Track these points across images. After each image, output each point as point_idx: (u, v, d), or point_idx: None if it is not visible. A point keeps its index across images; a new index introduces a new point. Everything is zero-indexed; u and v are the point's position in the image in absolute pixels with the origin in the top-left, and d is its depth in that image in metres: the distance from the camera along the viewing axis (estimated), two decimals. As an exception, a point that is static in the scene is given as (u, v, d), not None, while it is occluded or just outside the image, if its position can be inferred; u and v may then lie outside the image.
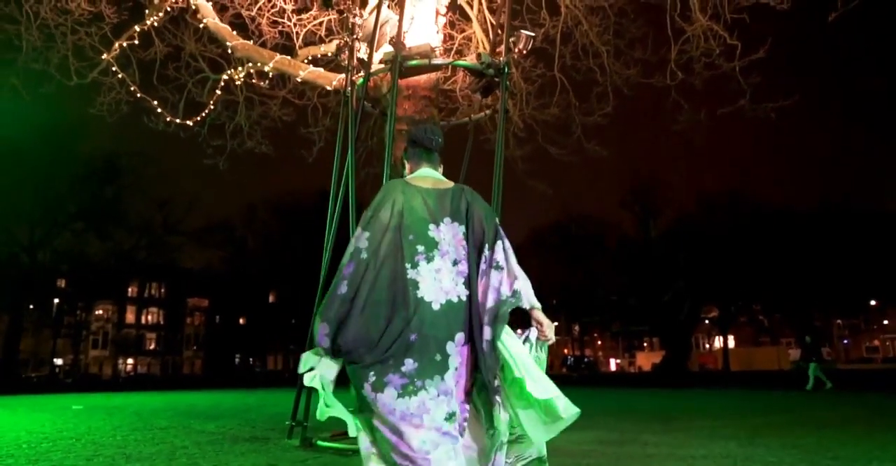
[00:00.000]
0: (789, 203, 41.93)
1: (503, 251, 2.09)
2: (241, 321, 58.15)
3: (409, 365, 1.90)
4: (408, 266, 1.99)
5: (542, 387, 1.95)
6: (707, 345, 60.82)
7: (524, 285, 2.06)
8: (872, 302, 47.52)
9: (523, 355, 2.01)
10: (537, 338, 2.13)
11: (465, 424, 1.99)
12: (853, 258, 36.63)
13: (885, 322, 56.47)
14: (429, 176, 2.23)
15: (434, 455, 1.84)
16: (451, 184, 2.23)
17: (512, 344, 2.02)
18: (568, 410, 1.96)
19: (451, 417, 1.90)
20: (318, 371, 2.04)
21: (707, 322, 53.66)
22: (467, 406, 2.01)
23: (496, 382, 2.00)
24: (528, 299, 2.04)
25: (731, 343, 49.80)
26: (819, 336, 38.05)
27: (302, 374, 2.06)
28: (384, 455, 1.97)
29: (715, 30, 7.22)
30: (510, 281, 2.05)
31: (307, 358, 2.06)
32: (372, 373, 1.92)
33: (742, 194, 40.29)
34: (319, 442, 4.90)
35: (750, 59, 7.13)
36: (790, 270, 36.85)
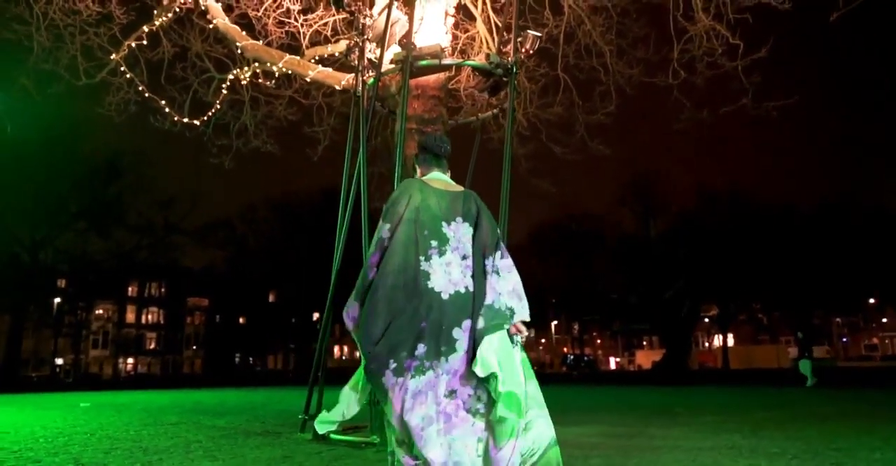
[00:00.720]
0: (789, 202, 41.87)
1: (499, 260, 2.29)
2: (241, 320, 58.23)
3: (421, 348, 2.11)
4: (422, 258, 2.20)
5: (485, 367, 2.09)
6: (706, 344, 60.97)
7: (518, 304, 2.24)
8: (871, 301, 47.65)
9: (491, 349, 2.14)
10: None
11: (483, 406, 2.11)
12: (852, 256, 36.75)
13: (884, 320, 56.64)
14: (440, 179, 2.46)
15: (426, 433, 2.02)
16: (461, 188, 2.46)
17: (490, 340, 2.15)
18: (504, 385, 2.09)
19: (451, 394, 2.09)
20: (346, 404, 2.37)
21: (707, 320, 53.79)
22: (482, 387, 2.13)
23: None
24: (521, 317, 2.24)
25: (731, 341, 49.93)
26: (812, 333, 38.20)
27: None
28: (400, 440, 2.12)
29: (717, 29, 7.30)
30: (508, 292, 2.24)
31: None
32: (392, 361, 2.09)
33: (742, 193, 40.36)
34: (332, 436, 4.98)
35: (752, 59, 7.21)
36: (790, 268, 36.98)
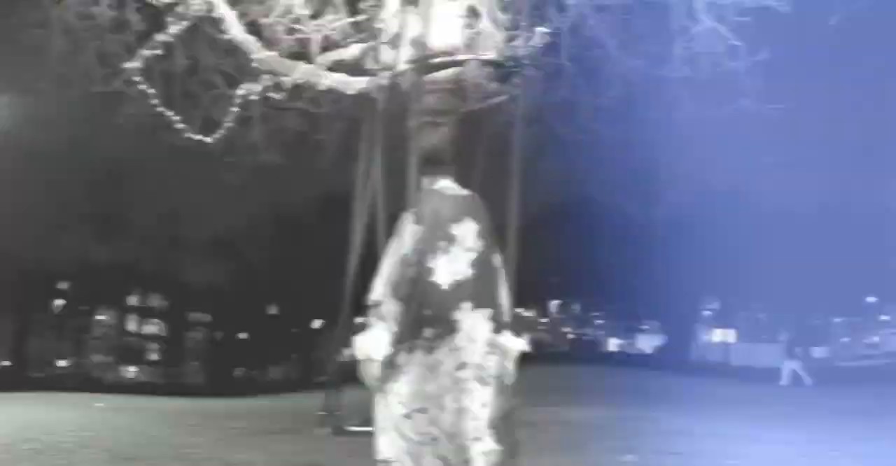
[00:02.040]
0: (789, 200, 41.84)
1: (499, 260, 2.73)
2: (242, 330, 58.12)
3: (429, 332, 2.52)
4: (430, 256, 2.62)
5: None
6: (707, 340, 60.76)
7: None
8: (871, 300, 47.67)
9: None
10: None
11: (488, 376, 2.50)
12: (852, 255, 36.78)
13: (884, 318, 56.59)
14: (448, 185, 2.86)
15: (444, 400, 2.43)
16: (465, 191, 2.87)
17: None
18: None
19: (461, 366, 2.49)
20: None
21: (707, 315, 53.71)
22: (489, 360, 2.53)
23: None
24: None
25: (732, 338, 49.94)
26: (805, 333, 38.23)
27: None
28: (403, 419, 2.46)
29: (718, 31, 7.44)
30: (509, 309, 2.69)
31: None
32: (407, 343, 2.51)
33: (742, 190, 40.34)
34: (352, 428, 5.12)
35: (753, 60, 7.33)
36: (790, 266, 37.00)
